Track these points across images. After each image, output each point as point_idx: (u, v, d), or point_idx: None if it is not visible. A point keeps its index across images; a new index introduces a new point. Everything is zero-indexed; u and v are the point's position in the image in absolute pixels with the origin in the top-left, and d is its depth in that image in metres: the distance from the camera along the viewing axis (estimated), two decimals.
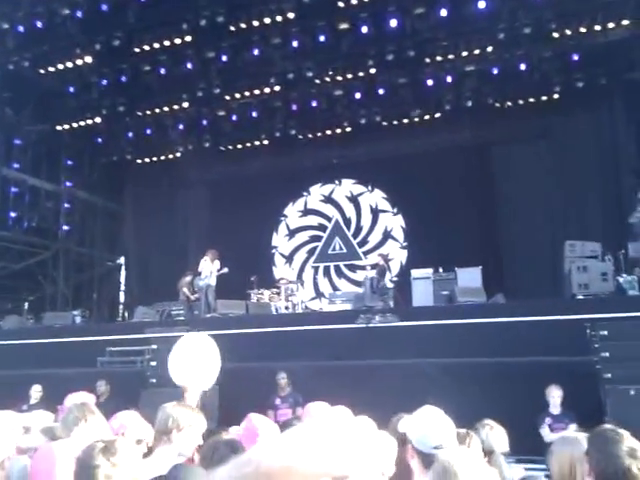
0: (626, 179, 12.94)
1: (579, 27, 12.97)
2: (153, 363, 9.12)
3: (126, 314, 15.46)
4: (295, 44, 14.25)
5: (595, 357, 7.25)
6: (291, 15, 14.04)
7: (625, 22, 12.82)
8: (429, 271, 12.05)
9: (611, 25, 12.88)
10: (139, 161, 17.43)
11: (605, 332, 7.30)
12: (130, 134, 16.43)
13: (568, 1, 12.36)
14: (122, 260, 17.24)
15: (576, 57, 13.18)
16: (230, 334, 10.33)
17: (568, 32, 13.06)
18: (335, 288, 15.68)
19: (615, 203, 12.63)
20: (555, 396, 7.25)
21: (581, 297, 9.48)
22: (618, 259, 10.18)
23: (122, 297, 17.19)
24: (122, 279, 17.32)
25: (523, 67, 13.49)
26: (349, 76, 14.98)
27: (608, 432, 2.40)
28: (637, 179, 12.30)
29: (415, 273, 12.21)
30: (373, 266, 13.35)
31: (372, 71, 14.63)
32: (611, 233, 11.61)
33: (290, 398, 8.20)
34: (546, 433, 7.10)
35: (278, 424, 8.11)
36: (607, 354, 7.15)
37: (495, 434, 3.67)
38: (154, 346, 9.30)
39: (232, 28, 14.51)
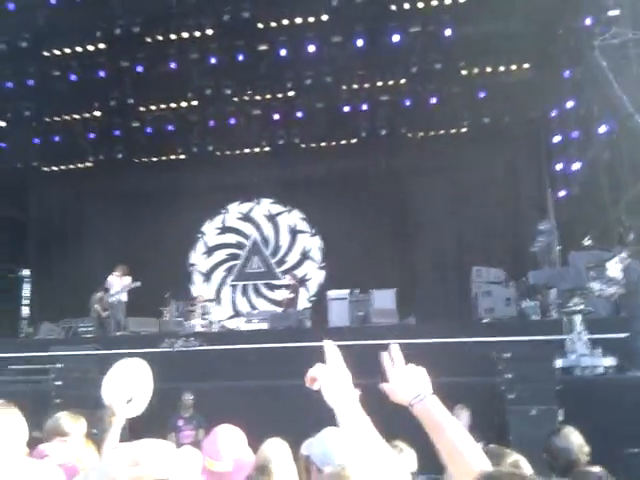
0: (527, 211, 13.90)
1: (485, 67, 13.90)
2: (58, 382, 8.64)
3: (30, 330, 14.48)
4: (213, 61, 14.22)
5: (499, 378, 7.61)
6: (210, 32, 14.03)
7: (526, 65, 13.90)
8: (345, 292, 12.20)
9: (514, 67, 13.92)
10: (45, 169, 16.54)
11: (508, 354, 7.67)
12: (36, 140, 15.58)
13: (476, 41, 13.18)
14: (27, 273, 16.15)
15: (482, 95, 14.07)
16: (140, 353, 10.01)
17: (476, 70, 13.94)
18: (253, 307, 15.58)
19: (518, 232, 13.50)
20: (462, 417, 7.59)
21: (486, 320, 10.03)
22: (521, 285, 10.88)
23: (25, 312, 16.08)
24: (26, 293, 16.21)
25: (434, 100, 14.20)
26: (268, 97, 15.12)
27: (493, 449, 2.66)
28: (536, 212, 13.25)
29: (331, 294, 12.34)
30: (286, 286, 13.42)
31: (290, 94, 14.87)
32: (515, 260, 12.40)
33: (194, 420, 8.00)
34: None
35: (181, 447, 7.88)
36: (510, 375, 7.51)
37: (404, 455, 3.76)
38: (59, 365, 8.83)
39: (148, 39, 14.27)
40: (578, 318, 8.12)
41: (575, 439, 3.34)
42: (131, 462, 1.10)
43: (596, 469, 2.88)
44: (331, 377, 1.70)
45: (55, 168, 16.58)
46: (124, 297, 11.63)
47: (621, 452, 6.15)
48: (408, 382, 1.71)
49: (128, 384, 3.44)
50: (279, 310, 12.89)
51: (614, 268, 8.52)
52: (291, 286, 12.91)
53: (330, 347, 1.72)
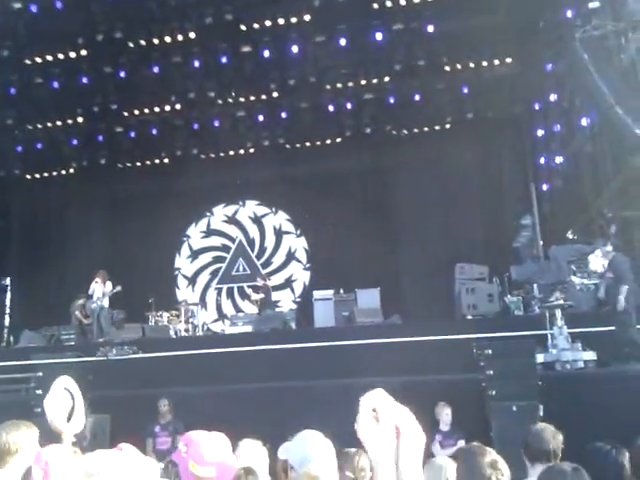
0: (511, 205, 13.84)
1: (468, 62, 13.86)
2: (39, 391, 8.56)
3: (11, 339, 14.44)
4: (197, 64, 14.20)
5: (481, 375, 7.55)
6: (192, 35, 13.99)
7: (509, 60, 13.85)
8: (330, 292, 12.22)
9: (497, 62, 13.87)
10: (28, 177, 16.49)
11: (489, 351, 7.60)
12: (19, 148, 15.55)
13: (458, 37, 13.14)
14: (7, 281, 16.09)
15: (466, 90, 14.01)
16: (123, 359, 9.98)
17: (458, 66, 13.90)
18: (238, 309, 15.47)
19: (501, 228, 13.42)
20: (444, 414, 7.54)
21: (470, 317, 9.97)
22: (503, 281, 10.83)
23: (7, 320, 16.03)
24: (7, 301, 16.15)
25: (418, 97, 14.16)
26: (252, 98, 15.09)
27: (473, 447, 2.59)
28: (520, 206, 13.20)
29: (317, 294, 12.34)
30: (256, 288, 13.33)
31: (274, 94, 14.83)
32: (497, 256, 12.32)
33: (170, 426, 7.95)
34: (437, 450, 7.36)
35: (157, 453, 7.83)
36: (491, 372, 7.43)
37: None
38: (40, 373, 8.76)
39: (131, 44, 14.24)
40: (559, 312, 8.06)
41: (551, 434, 3.34)
42: (84, 473, 1.09)
43: (566, 465, 2.82)
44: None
45: (38, 175, 16.53)
46: (106, 303, 11.58)
47: (595, 448, 6.11)
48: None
49: (64, 403, 3.40)
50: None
51: (596, 261, 8.47)
52: (261, 287, 12.88)
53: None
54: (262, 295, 12.61)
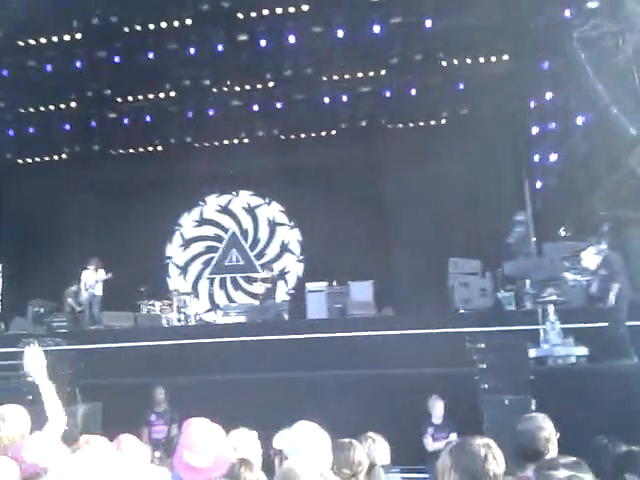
0: (504, 202, 13.87)
1: (465, 58, 13.86)
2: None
3: (2, 326, 14.32)
4: (192, 51, 14.08)
5: (473, 369, 7.63)
6: (188, 22, 13.89)
7: (505, 57, 13.88)
8: (323, 284, 12.27)
9: (493, 58, 13.89)
10: (20, 161, 16.28)
11: (482, 344, 7.71)
12: (11, 132, 15.35)
13: (456, 33, 13.12)
14: None
15: (461, 86, 14.03)
16: (115, 347, 9.95)
17: (455, 62, 13.90)
18: (231, 300, 15.42)
19: (494, 223, 13.46)
20: (437, 407, 7.63)
21: (463, 311, 10.05)
22: (496, 276, 10.91)
23: None
24: None
25: (413, 92, 14.16)
26: (247, 87, 14.99)
27: (465, 436, 2.60)
28: (514, 203, 13.27)
29: (310, 286, 12.38)
30: (264, 279, 13.32)
31: (270, 84, 14.76)
32: (490, 252, 12.38)
33: (166, 415, 8.01)
34: (429, 442, 7.44)
35: (153, 441, 7.90)
36: (484, 366, 7.54)
37: (377, 447, 3.71)
38: None
39: (126, 29, 14.10)
40: (551, 308, 8.15)
41: (544, 425, 3.32)
42: None
43: (566, 459, 2.81)
44: None
45: (29, 160, 16.32)
46: (99, 291, 11.54)
47: (591, 441, 6.20)
48: None
49: None
50: (257, 303, 12.83)
51: (588, 258, 8.56)
52: (269, 278, 12.87)
53: None
54: (269, 285, 12.60)
